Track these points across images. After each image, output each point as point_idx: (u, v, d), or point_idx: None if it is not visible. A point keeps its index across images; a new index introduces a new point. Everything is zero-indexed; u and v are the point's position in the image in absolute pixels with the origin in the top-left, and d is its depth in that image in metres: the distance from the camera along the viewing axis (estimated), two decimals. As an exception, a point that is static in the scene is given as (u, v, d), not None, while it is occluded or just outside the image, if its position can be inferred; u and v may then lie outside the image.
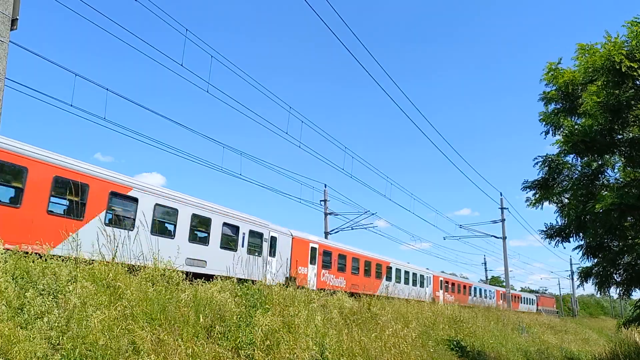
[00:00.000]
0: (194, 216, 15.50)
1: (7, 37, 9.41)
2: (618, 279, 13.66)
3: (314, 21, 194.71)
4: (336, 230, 34.32)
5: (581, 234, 13.32)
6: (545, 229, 14.53)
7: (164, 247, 13.45)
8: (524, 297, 56.84)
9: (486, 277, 77.95)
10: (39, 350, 6.78)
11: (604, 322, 72.74)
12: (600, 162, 13.22)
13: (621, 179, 12.95)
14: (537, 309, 59.84)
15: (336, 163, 69.32)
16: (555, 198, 14.07)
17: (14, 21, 9.61)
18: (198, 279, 12.55)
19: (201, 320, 9.67)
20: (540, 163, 13.56)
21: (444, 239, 48.08)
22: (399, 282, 29.87)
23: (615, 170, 13.55)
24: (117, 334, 7.84)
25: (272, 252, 19.29)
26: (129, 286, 9.39)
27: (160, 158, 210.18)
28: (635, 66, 9.66)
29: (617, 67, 9.76)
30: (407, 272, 31.64)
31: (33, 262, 8.88)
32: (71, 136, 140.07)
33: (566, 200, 14.02)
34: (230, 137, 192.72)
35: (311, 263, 22.14)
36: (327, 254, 23.54)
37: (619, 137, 11.87)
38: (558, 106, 13.18)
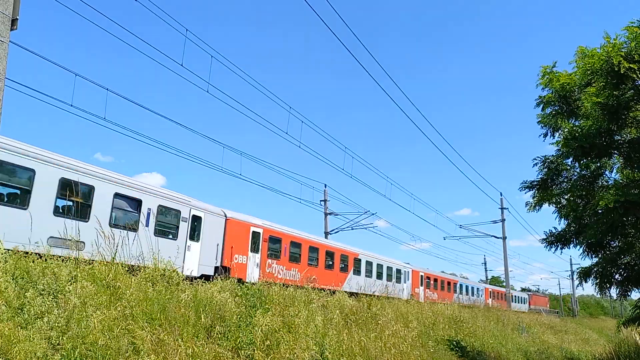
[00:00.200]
0: (64, 182, 11.75)
1: (7, 37, 9.43)
2: (619, 279, 13.69)
3: (314, 21, 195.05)
4: (336, 230, 34.28)
5: (581, 238, 13.37)
6: (545, 237, 14.63)
7: (10, 220, 10.43)
8: (516, 296, 57.01)
9: (486, 277, 78.07)
10: (39, 350, 6.80)
11: (604, 322, 72.88)
12: (598, 164, 13.25)
13: (621, 180, 13.00)
14: (529, 308, 60.04)
15: (336, 163, 69.51)
16: (554, 199, 14.11)
17: (14, 21, 9.62)
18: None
19: (201, 320, 9.69)
20: (540, 164, 13.61)
21: (444, 239, 48.07)
22: (370, 277, 26.91)
23: (614, 172, 13.61)
24: (117, 334, 7.86)
25: (195, 235, 15.92)
26: (128, 287, 9.41)
27: (160, 158, 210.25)
28: (634, 67, 9.67)
29: (616, 68, 9.79)
30: (379, 266, 28.31)
31: (33, 262, 8.89)
32: (71, 136, 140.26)
33: (565, 202, 14.06)
34: (230, 137, 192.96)
35: (253, 251, 18.48)
36: (275, 240, 19.75)
37: (618, 138, 11.89)
38: (556, 108, 13.19)
